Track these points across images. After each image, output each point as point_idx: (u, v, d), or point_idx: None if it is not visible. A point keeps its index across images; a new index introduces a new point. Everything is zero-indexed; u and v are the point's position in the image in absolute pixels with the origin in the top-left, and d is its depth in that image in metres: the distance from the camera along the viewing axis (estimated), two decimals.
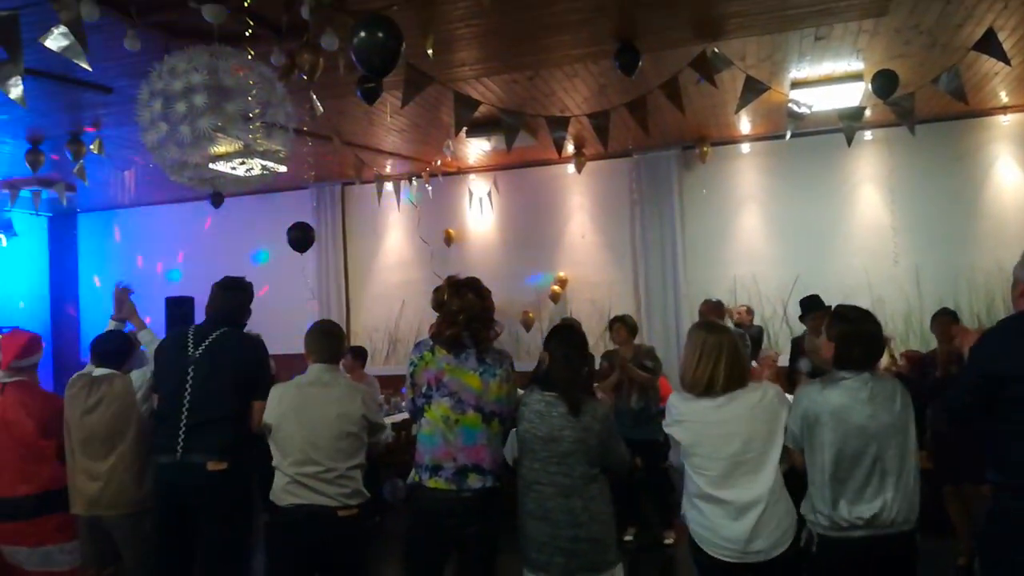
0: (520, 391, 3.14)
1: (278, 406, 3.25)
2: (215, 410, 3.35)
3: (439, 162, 7.96)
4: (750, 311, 7.16)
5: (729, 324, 6.47)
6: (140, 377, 3.59)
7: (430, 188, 8.31)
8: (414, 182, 8.54)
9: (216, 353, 3.44)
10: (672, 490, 6.10)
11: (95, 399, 3.53)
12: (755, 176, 7.94)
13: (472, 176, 8.77)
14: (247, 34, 3.86)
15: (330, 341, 3.43)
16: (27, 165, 6.70)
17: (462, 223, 8.79)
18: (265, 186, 7.64)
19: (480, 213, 8.74)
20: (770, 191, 7.87)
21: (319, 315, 8.88)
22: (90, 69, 3.77)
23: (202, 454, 3.29)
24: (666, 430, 2.89)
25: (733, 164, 7.97)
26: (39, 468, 3.54)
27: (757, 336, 6.91)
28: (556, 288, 8.30)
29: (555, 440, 2.89)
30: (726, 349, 2.79)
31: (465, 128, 5.60)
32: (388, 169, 8.37)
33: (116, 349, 3.73)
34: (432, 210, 8.70)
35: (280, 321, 6.90)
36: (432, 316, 3.25)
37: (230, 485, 3.34)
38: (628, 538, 5.55)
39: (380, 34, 3.24)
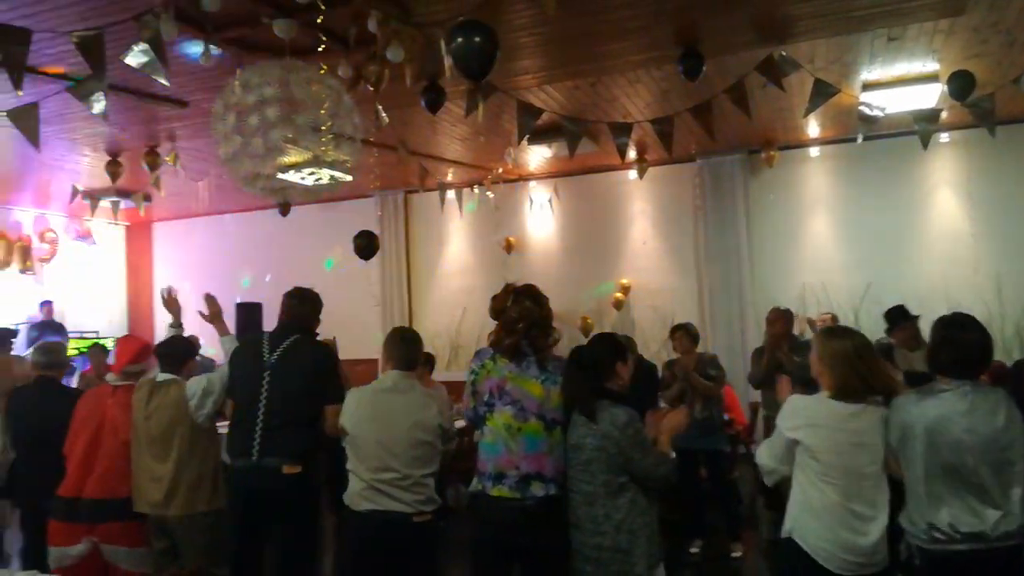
0: None
1: (355, 411, 3.27)
2: (290, 415, 3.42)
3: (500, 169, 8.00)
4: (834, 319, 6.95)
5: (808, 335, 6.32)
6: (196, 384, 3.68)
7: (491, 195, 8.35)
8: (476, 190, 8.60)
9: (290, 359, 3.52)
10: (740, 502, 5.98)
11: (154, 404, 3.65)
12: (825, 180, 7.74)
13: (533, 183, 8.79)
14: (320, 49, 3.95)
15: (408, 348, 3.43)
16: (107, 176, 7.00)
17: (523, 230, 8.81)
18: (330, 195, 7.80)
19: (541, 220, 8.74)
20: (840, 196, 7.66)
21: (383, 322, 9.02)
22: (168, 84, 3.92)
23: (277, 457, 3.36)
24: (788, 434, 2.76)
25: (801, 168, 7.79)
26: None
27: None
28: (619, 295, 8.24)
29: (579, 448, 2.90)
30: (865, 353, 2.73)
31: (527, 135, 5.62)
32: (450, 177, 8.45)
33: (172, 353, 3.84)
34: (493, 217, 8.73)
35: (345, 327, 7.01)
36: (493, 323, 3.27)
37: (303, 488, 3.41)
38: (694, 550, 5.44)
39: (477, 39, 3.27)
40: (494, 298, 3.16)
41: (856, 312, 7.37)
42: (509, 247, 8.76)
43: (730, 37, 4.88)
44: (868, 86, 5.90)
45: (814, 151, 7.71)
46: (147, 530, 3.67)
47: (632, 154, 7.57)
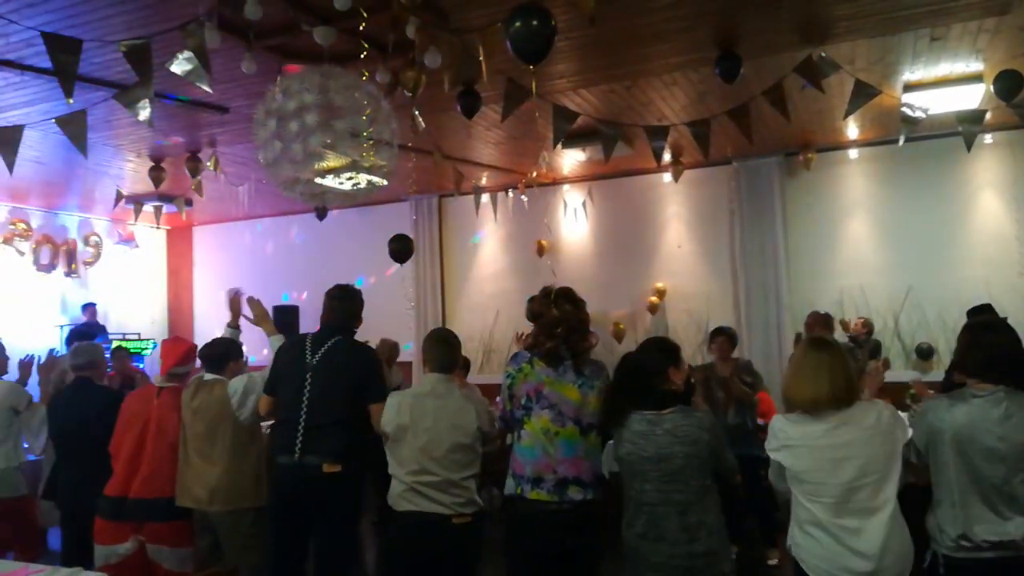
0: None
1: (396, 416, 3.30)
2: (331, 415, 3.47)
3: (534, 173, 8.01)
4: (867, 324, 6.85)
5: (843, 337, 6.24)
6: (238, 383, 3.75)
7: (525, 199, 8.37)
8: (510, 193, 8.62)
9: (332, 360, 3.56)
10: (776, 508, 5.90)
11: (199, 401, 3.75)
12: (864, 182, 7.62)
13: (566, 186, 8.78)
14: (362, 56, 4.00)
15: (446, 350, 3.44)
16: (150, 181, 7.15)
17: (556, 233, 8.81)
18: (366, 199, 7.88)
19: (575, 223, 8.73)
20: (880, 198, 7.54)
21: (417, 325, 9.09)
22: (211, 91, 3.99)
23: (318, 456, 3.41)
24: (772, 456, 2.75)
25: (840, 170, 7.68)
26: None
27: (874, 350, 6.62)
28: (653, 299, 8.19)
29: (666, 459, 2.80)
30: (827, 366, 2.65)
31: (562, 139, 5.62)
32: (484, 181, 8.48)
33: (216, 353, 3.92)
34: (527, 221, 8.75)
35: (380, 330, 7.08)
36: (527, 326, 3.27)
37: (344, 487, 3.45)
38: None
39: (534, 22, 3.31)
40: (531, 301, 3.17)
41: (896, 316, 7.25)
42: (541, 250, 8.76)
43: (769, 38, 4.83)
44: (910, 87, 5.80)
45: (853, 153, 7.60)
46: (191, 529, 3.74)
47: (667, 157, 7.53)
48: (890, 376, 5.03)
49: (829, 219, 7.71)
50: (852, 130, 7.18)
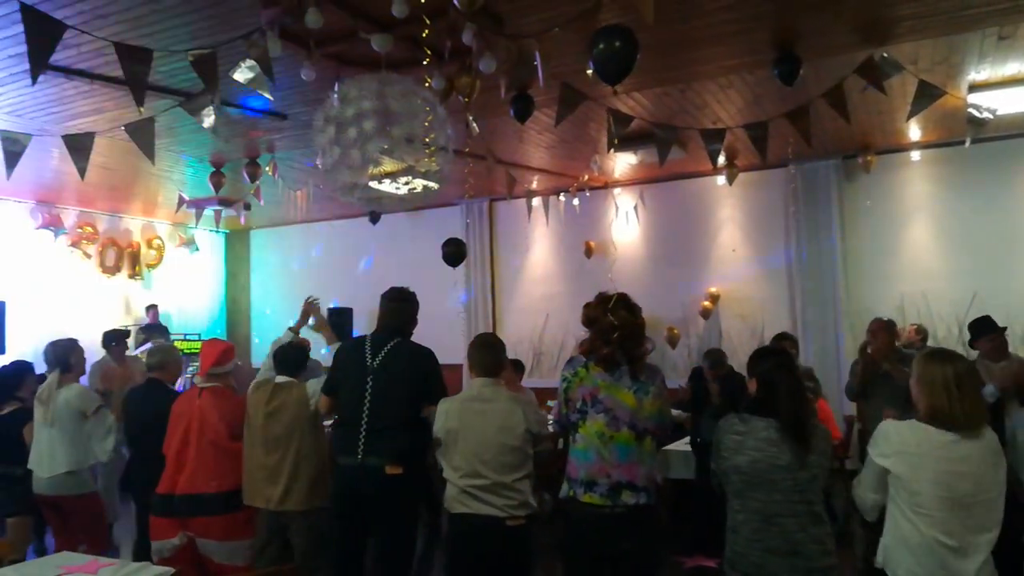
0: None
1: (445, 421, 3.35)
2: (393, 417, 3.52)
3: (586, 177, 7.99)
4: (920, 331, 6.67)
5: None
6: (314, 385, 3.86)
7: (576, 203, 8.35)
8: (561, 197, 8.61)
9: (392, 363, 3.62)
10: (834, 519, 5.76)
11: (276, 403, 3.84)
12: (926, 186, 7.40)
13: (618, 190, 8.74)
14: (424, 63, 4.05)
15: (491, 353, 3.49)
16: (210, 186, 7.34)
17: (607, 237, 8.77)
18: (419, 203, 7.96)
19: (626, 227, 8.68)
20: (943, 201, 7.32)
21: (468, 328, 9.14)
22: (272, 99, 4.08)
23: (381, 457, 3.46)
24: (877, 461, 2.62)
25: (901, 173, 7.48)
26: (229, 467, 3.84)
27: None
28: (706, 304, 8.09)
29: (802, 467, 2.69)
30: (965, 381, 2.56)
31: (616, 143, 5.60)
32: (535, 184, 8.50)
33: (296, 359, 4.04)
34: (577, 225, 8.72)
35: (431, 333, 7.13)
36: (576, 330, 3.27)
37: (404, 489, 3.50)
38: None
39: (617, 43, 3.32)
40: (587, 306, 3.15)
41: (961, 324, 7.00)
42: (589, 252, 8.73)
43: (829, 39, 4.73)
44: (976, 87, 5.62)
45: (915, 155, 7.38)
46: (238, 523, 3.82)
47: (721, 160, 7.43)
48: None
49: (890, 223, 7.52)
50: (914, 131, 6.99)
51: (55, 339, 4.66)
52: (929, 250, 7.34)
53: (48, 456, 4.38)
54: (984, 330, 5.06)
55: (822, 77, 5.03)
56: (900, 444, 2.58)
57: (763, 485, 2.69)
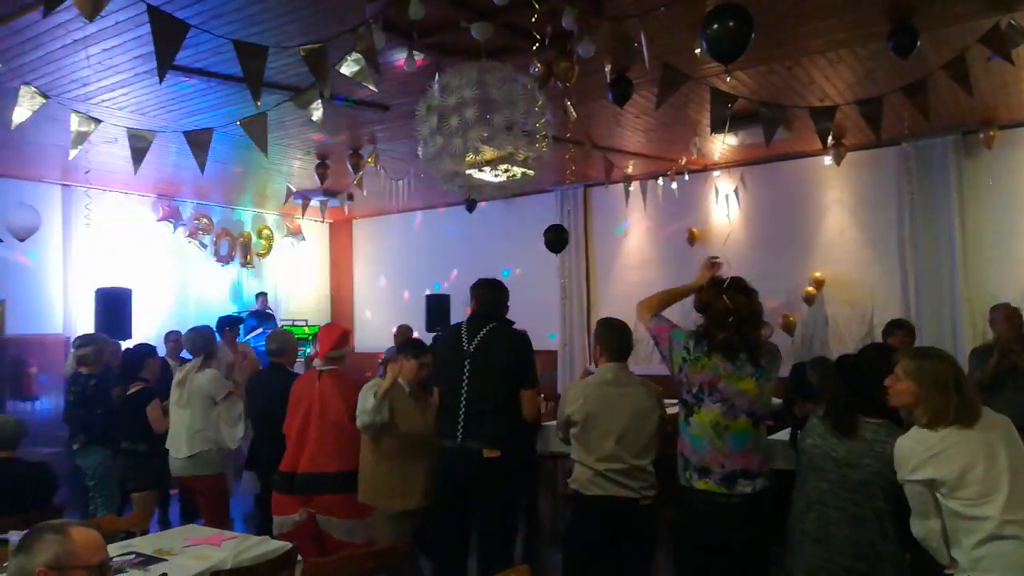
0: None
1: (583, 405, 3.39)
2: (489, 401, 3.60)
3: (684, 160, 7.82)
4: (1016, 311, 6.18)
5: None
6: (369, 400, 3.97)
7: (675, 187, 8.19)
8: (660, 181, 8.47)
9: (488, 347, 3.70)
10: None
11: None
12: None
13: (717, 172, 8.52)
14: (535, 48, 4.07)
15: (620, 337, 3.54)
16: (316, 178, 7.61)
17: (707, 222, 8.57)
18: (515, 190, 8.00)
19: (726, 211, 8.46)
20: None
21: (563, 315, 9.15)
22: (376, 91, 4.18)
23: (479, 441, 3.55)
24: (915, 479, 2.47)
25: None
26: (350, 447, 4.00)
27: None
28: (810, 289, 7.81)
29: (852, 466, 2.69)
30: (952, 378, 2.48)
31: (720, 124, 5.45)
32: (631, 169, 8.38)
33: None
34: (674, 209, 8.56)
35: (529, 319, 7.19)
36: (671, 316, 3.24)
37: (502, 471, 3.57)
38: None
39: (731, 22, 3.30)
40: (700, 290, 3.11)
41: None
42: (692, 239, 8.56)
43: (949, 8, 4.46)
44: None
45: None
46: (356, 501, 3.95)
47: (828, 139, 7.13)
48: None
49: (1014, 202, 7.03)
50: None
51: (196, 326, 4.98)
52: None
53: (181, 437, 4.68)
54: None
55: (941, 48, 4.75)
56: (926, 449, 2.45)
57: (815, 471, 2.82)
